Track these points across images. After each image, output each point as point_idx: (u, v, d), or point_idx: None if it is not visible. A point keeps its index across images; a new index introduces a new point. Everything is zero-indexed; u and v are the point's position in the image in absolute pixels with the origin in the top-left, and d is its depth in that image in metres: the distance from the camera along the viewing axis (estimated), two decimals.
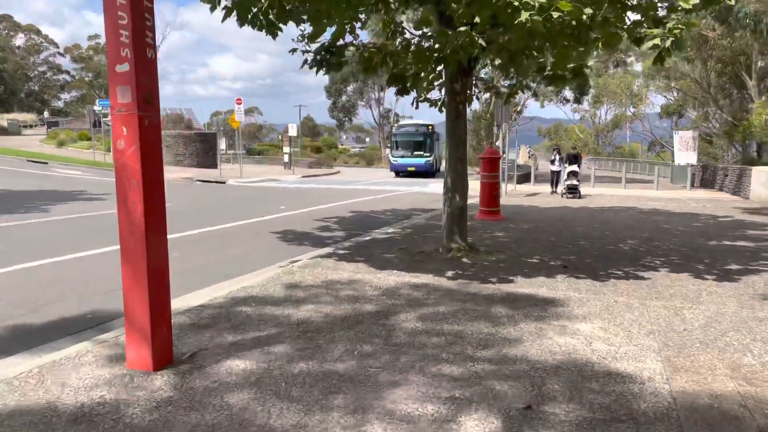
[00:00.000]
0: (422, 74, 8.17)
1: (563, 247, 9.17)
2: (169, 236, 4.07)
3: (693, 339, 4.65)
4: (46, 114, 77.87)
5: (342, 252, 8.38)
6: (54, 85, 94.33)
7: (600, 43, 6.81)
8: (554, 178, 20.10)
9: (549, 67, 7.68)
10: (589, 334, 4.72)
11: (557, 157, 20.22)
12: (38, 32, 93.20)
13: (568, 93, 40.40)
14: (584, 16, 6.35)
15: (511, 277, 6.81)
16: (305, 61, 7.92)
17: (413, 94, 9.64)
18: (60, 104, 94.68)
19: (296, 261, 7.84)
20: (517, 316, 5.21)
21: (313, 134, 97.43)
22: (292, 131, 35.98)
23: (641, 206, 16.59)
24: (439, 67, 8.24)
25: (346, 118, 61.23)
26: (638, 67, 50.40)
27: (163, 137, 36.28)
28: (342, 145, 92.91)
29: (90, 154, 34.63)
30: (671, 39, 5.48)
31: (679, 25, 5.40)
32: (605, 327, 4.93)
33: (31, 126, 54.90)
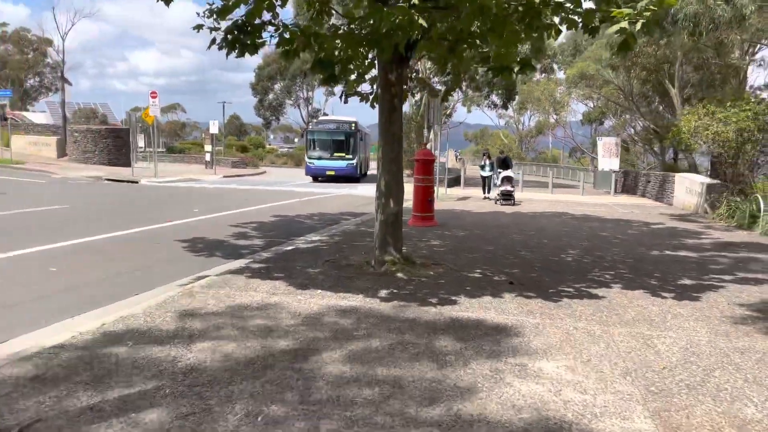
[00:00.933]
0: (352, 62, 7.14)
1: (504, 258, 8.39)
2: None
3: (677, 381, 3.86)
4: None
5: (258, 266, 7.20)
6: None
7: (554, 30, 6.02)
8: (485, 183, 19.41)
9: (492, 58, 6.84)
10: (555, 377, 3.83)
11: (487, 162, 19.53)
12: None
13: (495, 98, 40.58)
14: None
15: (453, 297, 5.89)
16: (213, 41, 6.70)
17: (342, 86, 8.66)
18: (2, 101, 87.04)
19: (201, 278, 6.59)
20: (466, 352, 4.26)
21: (240, 133, 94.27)
22: (214, 128, 33.98)
23: (572, 212, 16.29)
24: (372, 55, 7.25)
25: (273, 117, 59.28)
26: (561, 75, 51.60)
27: (70, 133, 33.52)
28: (270, 144, 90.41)
29: None
30: (642, 21, 4.73)
31: (651, 5, 4.66)
32: (572, 366, 4.06)
33: None
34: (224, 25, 6.73)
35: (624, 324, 5.17)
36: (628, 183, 28.95)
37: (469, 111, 56.83)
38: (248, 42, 6.72)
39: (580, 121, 47.32)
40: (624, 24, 4.81)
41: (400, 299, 5.74)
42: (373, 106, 8.83)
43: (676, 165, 28.30)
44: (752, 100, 14.28)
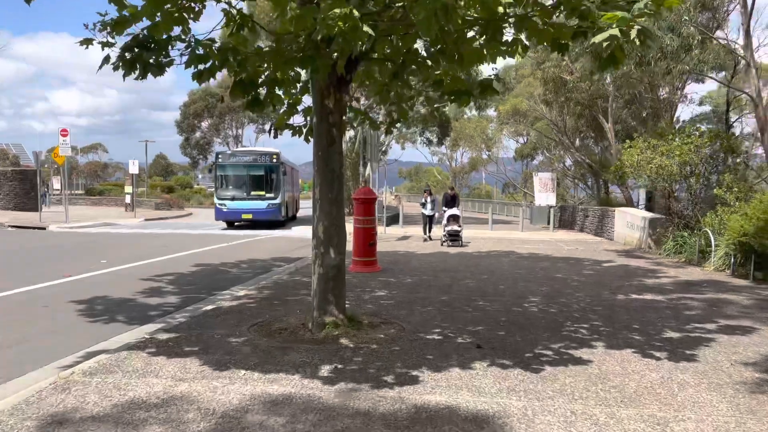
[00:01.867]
0: (281, 86, 5.99)
1: (462, 310, 7.31)
2: None
3: None
4: None
5: (165, 336, 5.77)
6: None
7: (519, 46, 5.11)
8: (426, 223, 17.92)
9: (448, 82, 5.87)
10: None
11: (428, 199, 17.98)
12: None
13: (429, 135, 40.46)
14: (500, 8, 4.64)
15: (413, 372, 4.70)
16: (106, 59, 5.39)
17: (272, 118, 7.52)
18: None
19: (89, 356, 5.13)
20: None
21: (167, 173, 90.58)
22: (134, 168, 31.75)
23: (519, 250, 15.56)
24: (305, 76, 6.15)
25: (201, 156, 56.88)
26: (491, 111, 52.54)
27: None
28: (198, 184, 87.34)
29: None
30: (637, 28, 3.86)
31: (648, 10, 3.79)
32: None
33: None
34: (121, 41, 5.45)
35: (629, 403, 4.14)
36: (565, 218, 28.95)
37: (403, 148, 56.81)
38: (151, 61, 5.45)
39: (513, 157, 47.96)
40: (615, 31, 3.91)
41: (347, 379, 4.50)
42: (307, 140, 7.71)
43: (610, 199, 28.56)
44: (693, 132, 14.11)
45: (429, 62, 5.89)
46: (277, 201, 23.80)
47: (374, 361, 5.00)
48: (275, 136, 7.42)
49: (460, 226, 15.78)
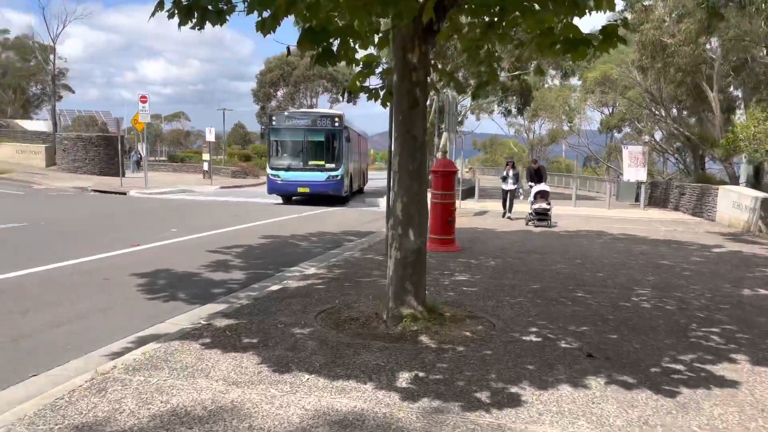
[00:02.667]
0: (356, 37, 5.11)
1: (559, 303, 6.29)
2: None
3: None
4: None
5: (225, 323, 5.13)
6: None
7: None
8: (506, 199, 16.06)
9: (562, 28, 4.78)
10: None
11: (511, 173, 15.92)
12: None
13: (508, 105, 38.53)
14: None
15: (513, 389, 3.80)
16: (160, 5, 4.68)
17: (342, 86, 6.63)
18: None
19: (136, 345, 4.55)
20: None
21: (245, 142, 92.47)
22: (210, 136, 31.98)
23: (609, 230, 14.17)
24: (385, 27, 5.24)
25: None
26: (574, 81, 49.66)
27: (59, 140, 31.69)
28: None
29: None
30: None
31: None
32: None
33: None
34: None
35: None
36: (656, 195, 26.81)
37: (478, 119, 54.93)
38: (209, 7, 4.70)
39: (598, 129, 45.16)
40: None
41: (431, 393, 3.66)
42: (384, 105, 6.86)
43: (708, 175, 26.13)
44: None
45: (536, 6, 4.81)
46: (339, 172, 20.46)
47: (462, 368, 4.13)
48: (349, 100, 6.68)
49: (549, 204, 14.18)
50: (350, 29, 4.80)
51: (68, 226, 12.29)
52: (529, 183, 15.00)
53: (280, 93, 53.27)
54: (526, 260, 9.22)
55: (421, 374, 3.99)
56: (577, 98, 44.90)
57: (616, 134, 49.98)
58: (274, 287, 6.66)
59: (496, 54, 6.67)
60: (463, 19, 6.11)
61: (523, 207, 15.83)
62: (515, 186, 15.64)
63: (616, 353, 4.62)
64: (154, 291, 6.66)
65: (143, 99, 23.61)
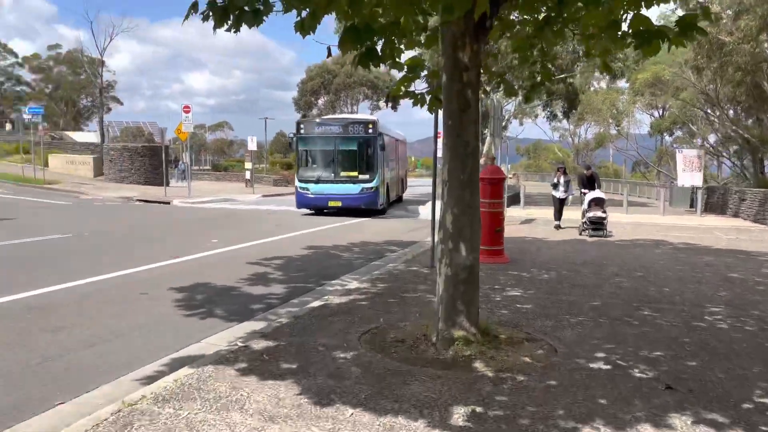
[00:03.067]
0: (401, 35, 4.73)
1: (625, 323, 5.73)
2: None
3: None
4: (8, 127, 72.09)
5: (262, 345, 4.78)
6: (9, 97, 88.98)
7: None
8: (558, 207, 14.95)
9: (631, 21, 4.27)
10: None
11: (562, 179, 14.85)
12: None
13: (553, 109, 37.58)
14: None
15: (584, 429, 3.32)
16: (194, 7, 4.39)
17: (383, 93, 6.27)
18: (21, 117, 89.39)
19: (169, 370, 4.25)
20: None
21: (287, 150, 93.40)
22: (252, 145, 32.18)
23: (668, 239, 13.36)
24: (433, 21, 4.85)
25: None
26: (621, 83, 48.19)
27: (106, 151, 32.42)
28: None
29: (28, 169, 30.24)
30: None
31: None
32: None
33: None
34: None
35: None
36: (712, 201, 25.50)
37: (521, 124, 53.84)
38: (245, 6, 4.39)
39: (648, 133, 43.61)
40: None
41: None
42: (431, 110, 6.47)
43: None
44: None
45: None
46: (373, 184, 18.56)
47: (525, 402, 3.66)
48: (393, 107, 6.24)
49: (604, 212, 13.22)
50: (396, 26, 4.42)
51: (111, 237, 12.29)
52: (582, 190, 14.10)
53: (320, 101, 53.50)
54: (582, 273, 8.63)
55: (478, 409, 3.54)
56: (626, 101, 43.47)
57: (666, 137, 48.24)
58: (315, 303, 6.31)
59: (551, 52, 6.21)
60: (515, 16, 5.69)
61: (572, 214, 15.10)
62: (567, 194, 14.75)
63: (700, 384, 4.07)
64: (191, 307, 6.40)
65: (186, 109, 23.85)
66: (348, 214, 18.62)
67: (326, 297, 6.63)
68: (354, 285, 7.37)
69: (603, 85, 48.76)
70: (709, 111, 25.79)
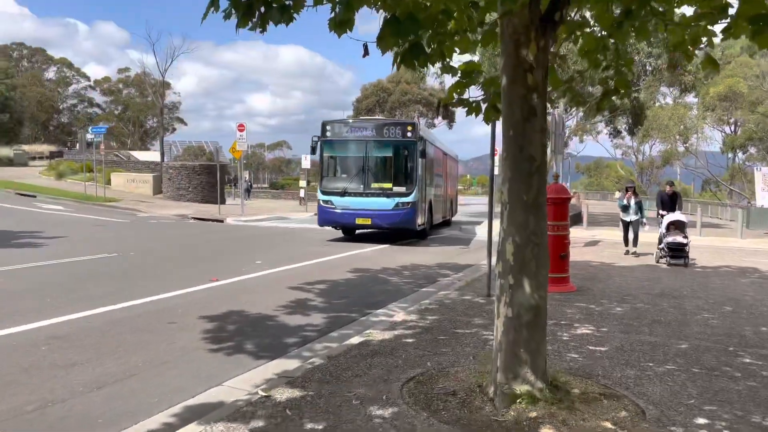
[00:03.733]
0: (452, 31, 4.02)
1: (724, 373, 4.74)
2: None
3: None
4: (77, 147, 75.88)
5: (286, 395, 4.09)
6: (81, 118, 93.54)
7: None
8: (628, 232, 13.40)
9: (739, 7, 3.42)
10: None
11: (632, 201, 13.22)
12: (70, 65, 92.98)
13: (617, 125, 35.83)
14: None
15: None
16: (213, 4, 3.82)
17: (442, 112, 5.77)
18: (90, 137, 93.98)
19: (177, 424, 3.61)
20: None
21: None
22: (306, 163, 31.94)
23: (755, 266, 11.99)
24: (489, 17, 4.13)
25: None
26: (690, 98, 45.89)
27: (165, 169, 33.00)
28: None
29: (89, 187, 31.14)
30: None
31: None
32: None
33: (42, 158, 52.47)
34: None
35: None
36: None
37: (581, 141, 51.97)
38: (272, 2, 3.78)
39: (720, 150, 41.11)
40: None
41: None
42: (488, 120, 5.67)
43: None
44: None
45: None
46: (410, 198, 15.23)
47: None
48: (446, 116, 5.50)
49: (686, 238, 11.49)
50: (446, 17, 3.70)
51: (156, 257, 12.01)
52: (660, 211, 12.44)
53: (379, 116, 53.38)
54: (661, 306, 7.58)
55: None
56: (695, 116, 41.20)
57: (740, 155, 45.41)
58: (355, 339, 5.59)
59: (626, 55, 5.36)
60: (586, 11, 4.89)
61: (645, 238, 13.83)
62: (638, 216, 13.15)
63: None
64: (219, 339, 5.80)
65: (240, 128, 23.86)
66: (379, 239, 16.19)
67: (368, 332, 5.90)
68: (400, 317, 6.61)
69: (669, 100, 46.53)
70: None
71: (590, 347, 5.48)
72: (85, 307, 6.93)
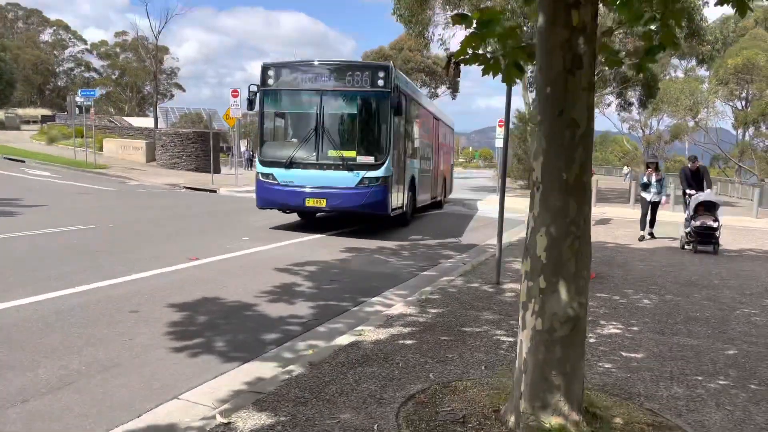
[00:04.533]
0: None
1: None
2: None
3: None
4: (77, 111, 74.53)
5: (252, 421, 3.24)
6: (78, 82, 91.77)
7: None
8: (648, 212, 11.84)
9: None
10: None
11: (654, 178, 11.65)
12: (66, 28, 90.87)
13: (629, 97, 34.61)
14: None
15: None
16: None
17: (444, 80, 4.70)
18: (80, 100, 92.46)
19: None
20: None
21: None
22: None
23: None
24: None
25: None
26: (702, 71, 44.62)
27: (158, 136, 31.92)
28: None
29: (80, 153, 30.08)
30: None
31: None
32: None
33: (36, 122, 51.20)
34: None
35: None
36: None
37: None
38: None
39: (732, 125, 39.94)
40: None
41: None
42: (510, 81, 4.67)
43: None
44: None
45: None
46: (381, 173, 10.95)
47: None
48: (455, 75, 4.49)
49: (717, 221, 10.09)
50: None
51: (136, 230, 11.12)
52: (688, 191, 10.88)
53: None
54: (693, 298, 6.71)
55: None
56: (707, 90, 39.91)
57: (751, 130, 44.16)
58: (344, 339, 4.72)
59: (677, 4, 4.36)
60: None
61: (663, 217, 12.90)
62: (661, 196, 11.73)
63: None
64: (186, 335, 4.94)
65: (234, 94, 22.76)
66: (343, 225, 12.68)
67: (360, 328, 5.03)
68: (398, 309, 5.74)
69: (680, 74, 45.19)
70: None
71: (623, 353, 4.62)
72: (39, 290, 6.05)
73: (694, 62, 32.90)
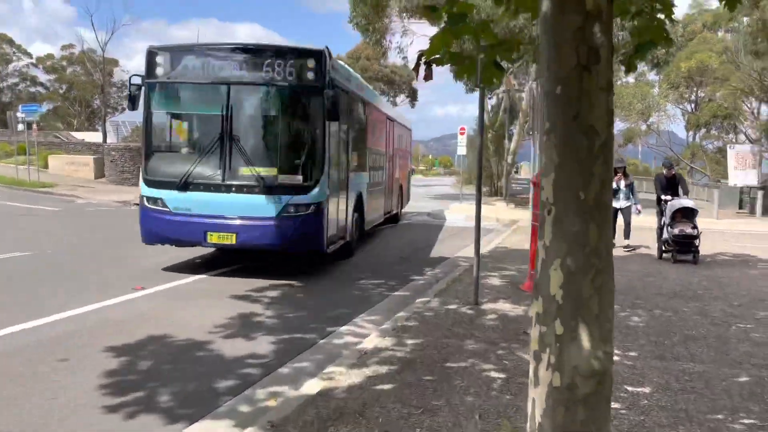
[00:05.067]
0: None
1: None
2: None
3: None
4: (20, 127, 71.17)
5: None
6: (23, 98, 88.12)
7: None
8: (616, 221, 10.74)
9: None
10: None
11: (623, 184, 11.08)
12: (11, 42, 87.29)
13: None
14: None
15: None
16: None
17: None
18: (20, 116, 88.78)
19: None
20: None
21: None
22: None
23: (754, 252, 10.99)
24: None
25: None
26: (652, 76, 45.59)
27: (107, 152, 30.59)
28: None
29: (23, 171, 28.36)
30: None
31: None
32: None
33: None
34: None
35: None
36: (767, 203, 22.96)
37: None
38: None
39: (684, 127, 40.87)
40: None
41: None
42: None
43: None
44: None
45: None
46: (314, 196, 8.03)
47: None
48: (427, 76, 3.87)
49: (695, 228, 9.61)
50: None
51: (79, 254, 10.17)
52: (663, 197, 10.33)
53: None
54: (683, 313, 6.31)
55: None
56: (658, 94, 40.72)
57: (701, 132, 45.33)
58: (312, 386, 4.06)
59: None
60: None
61: (638, 222, 12.60)
62: (630, 202, 11.17)
63: None
64: (124, 389, 4.19)
65: None
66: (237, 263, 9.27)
67: (330, 370, 4.38)
68: (372, 341, 5.11)
69: (631, 79, 46.09)
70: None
71: (629, 387, 4.10)
72: None
73: (645, 67, 33.37)
